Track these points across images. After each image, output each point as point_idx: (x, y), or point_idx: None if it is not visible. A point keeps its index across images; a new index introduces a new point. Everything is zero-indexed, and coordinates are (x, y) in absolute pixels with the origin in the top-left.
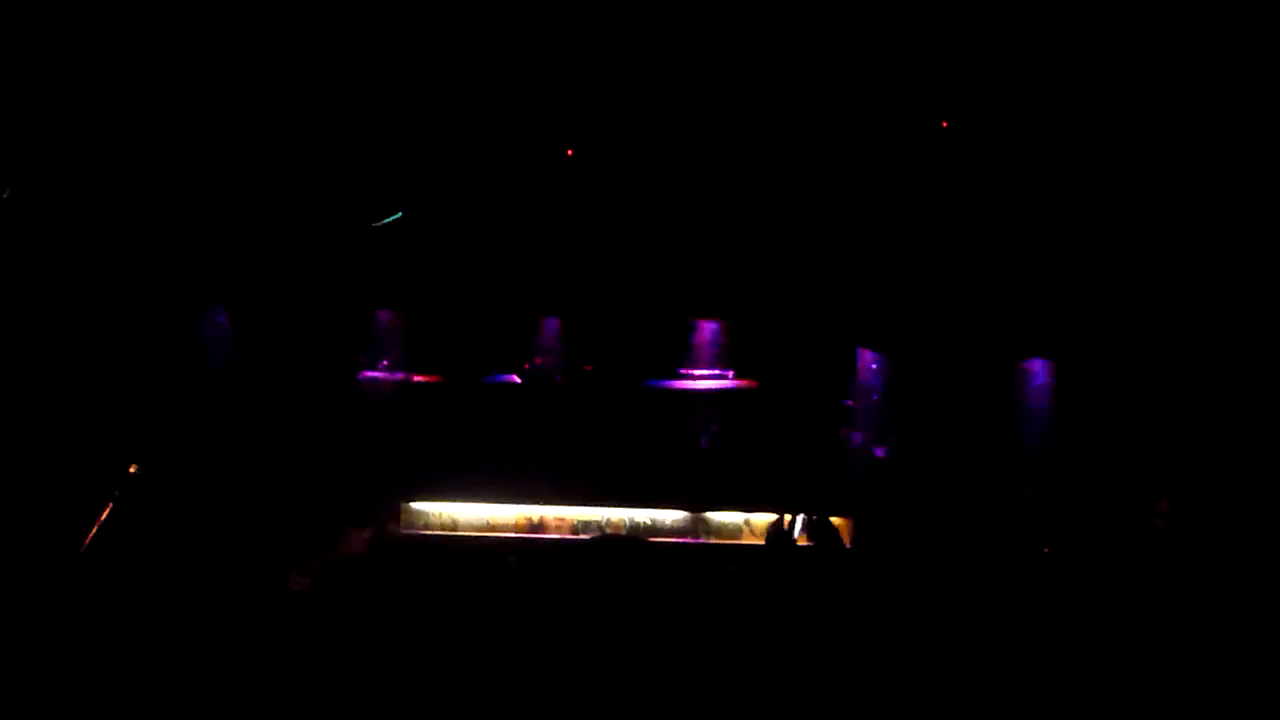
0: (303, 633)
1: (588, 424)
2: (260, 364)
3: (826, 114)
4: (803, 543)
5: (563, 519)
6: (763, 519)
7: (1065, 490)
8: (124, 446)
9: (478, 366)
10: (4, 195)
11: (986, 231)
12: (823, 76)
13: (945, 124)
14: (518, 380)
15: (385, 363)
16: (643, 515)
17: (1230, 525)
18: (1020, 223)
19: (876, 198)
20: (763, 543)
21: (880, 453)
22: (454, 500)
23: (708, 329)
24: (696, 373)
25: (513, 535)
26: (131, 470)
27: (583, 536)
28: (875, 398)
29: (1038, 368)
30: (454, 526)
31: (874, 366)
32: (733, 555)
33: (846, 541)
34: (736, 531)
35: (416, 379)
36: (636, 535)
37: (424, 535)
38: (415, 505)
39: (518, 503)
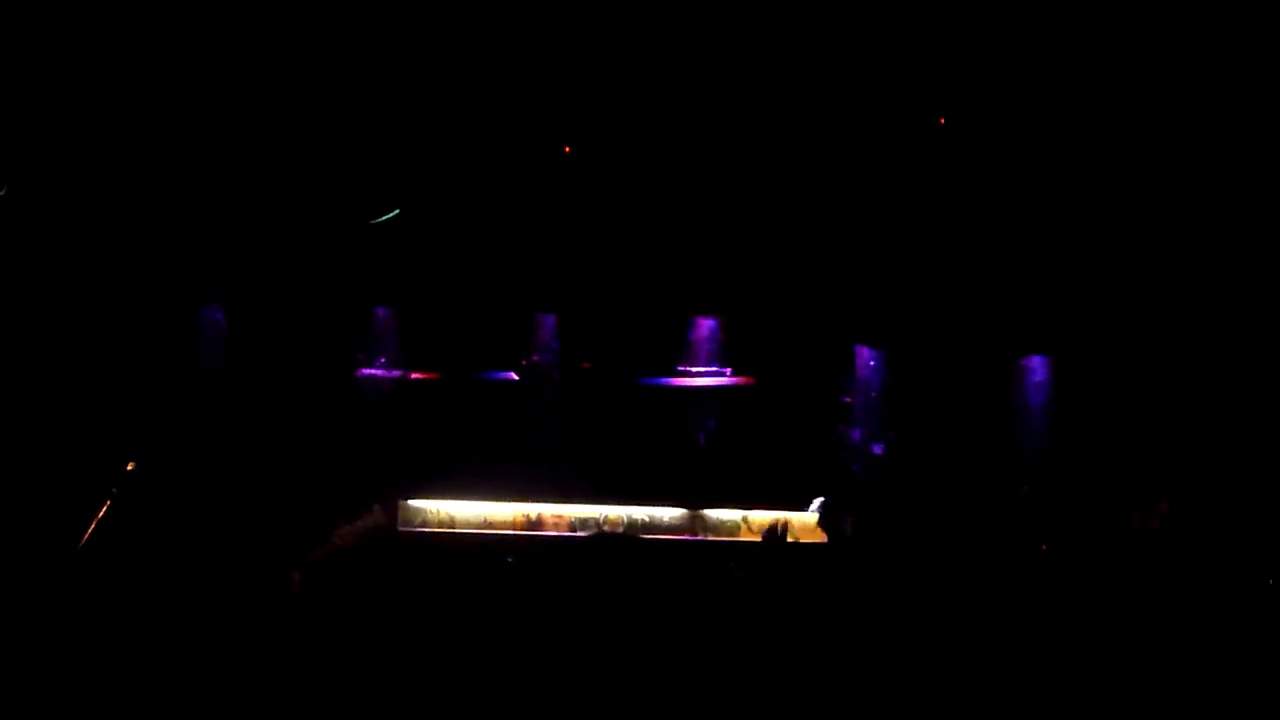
0: (300, 630)
1: (585, 421)
2: (257, 361)
3: (824, 110)
4: (816, 537)
5: (560, 516)
6: (760, 516)
7: (1063, 488)
8: (121, 444)
9: (475, 364)
10: (1, 193)
11: (985, 228)
12: (820, 73)
13: (942, 120)
14: (515, 377)
15: (383, 360)
16: (640, 512)
17: (1229, 524)
18: (1019, 219)
19: (874, 194)
20: (759, 539)
21: (878, 450)
22: (451, 498)
23: (705, 326)
24: (694, 370)
25: (510, 533)
26: (129, 468)
27: (580, 534)
28: (873, 395)
29: (1036, 365)
30: (452, 524)
31: (872, 363)
32: (730, 552)
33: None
34: (734, 529)
35: (414, 376)
36: (633, 533)
37: (421, 532)
38: (413, 503)
39: (515, 500)
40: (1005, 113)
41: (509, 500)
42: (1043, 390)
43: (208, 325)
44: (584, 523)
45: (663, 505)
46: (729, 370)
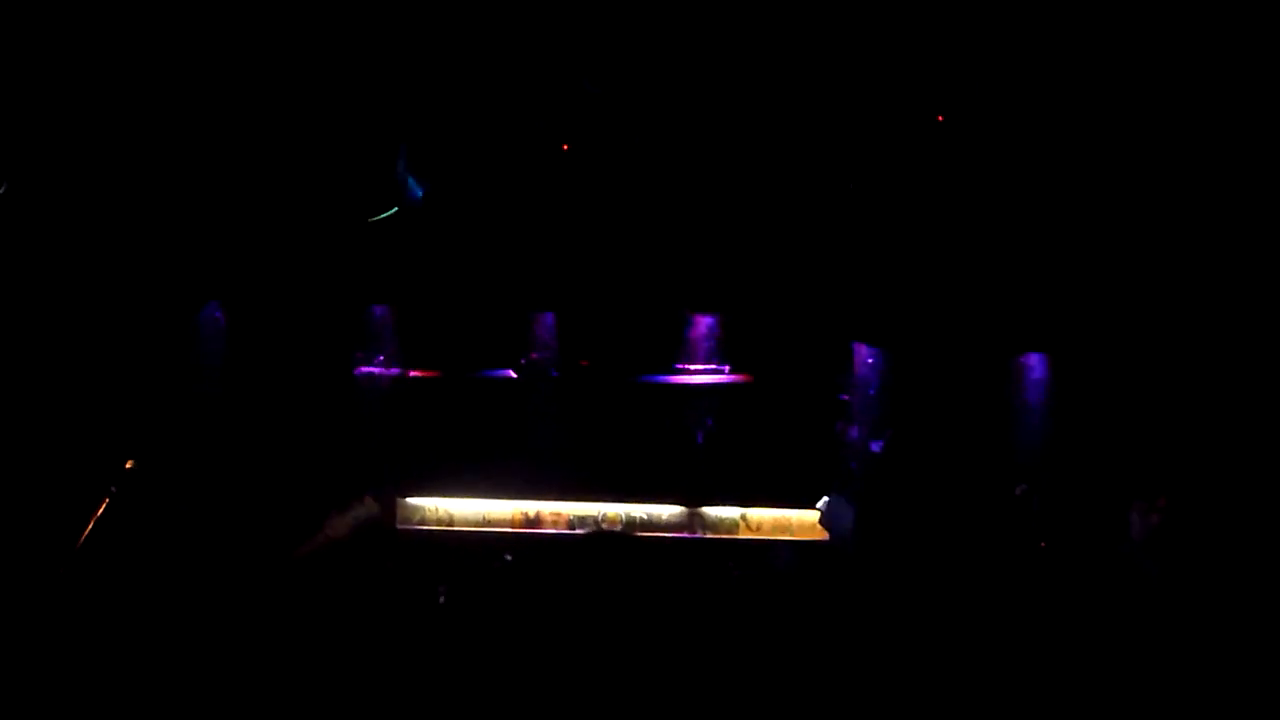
0: (298, 627)
1: (584, 419)
2: (256, 359)
3: (822, 107)
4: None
5: (559, 514)
6: (759, 514)
7: (1062, 486)
8: (120, 442)
9: (474, 361)
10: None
11: (984, 225)
12: (818, 70)
13: (941, 118)
14: (514, 375)
15: (381, 358)
16: (639, 510)
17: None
18: (1017, 217)
19: (872, 191)
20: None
21: (876, 447)
22: (450, 496)
23: (703, 323)
24: (692, 367)
25: (509, 530)
26: (128, 466)
27: (577, 532)
28: (871, 392)
29: (1035, 362)
30: (450, 522)
31: (870, 361)
32: (729, 550)
33: None
34: (733, 526)
35: (412, 374)
36: (631, 530)
37: (419, 530)
38: (411, 500)
39: (514, 498)
40: (1003, 110)
41: (508, 498)
42: (1041, 388)
43: (206, 323)
44: (582, 520)
45: (661, 502)
46: (727, 368)
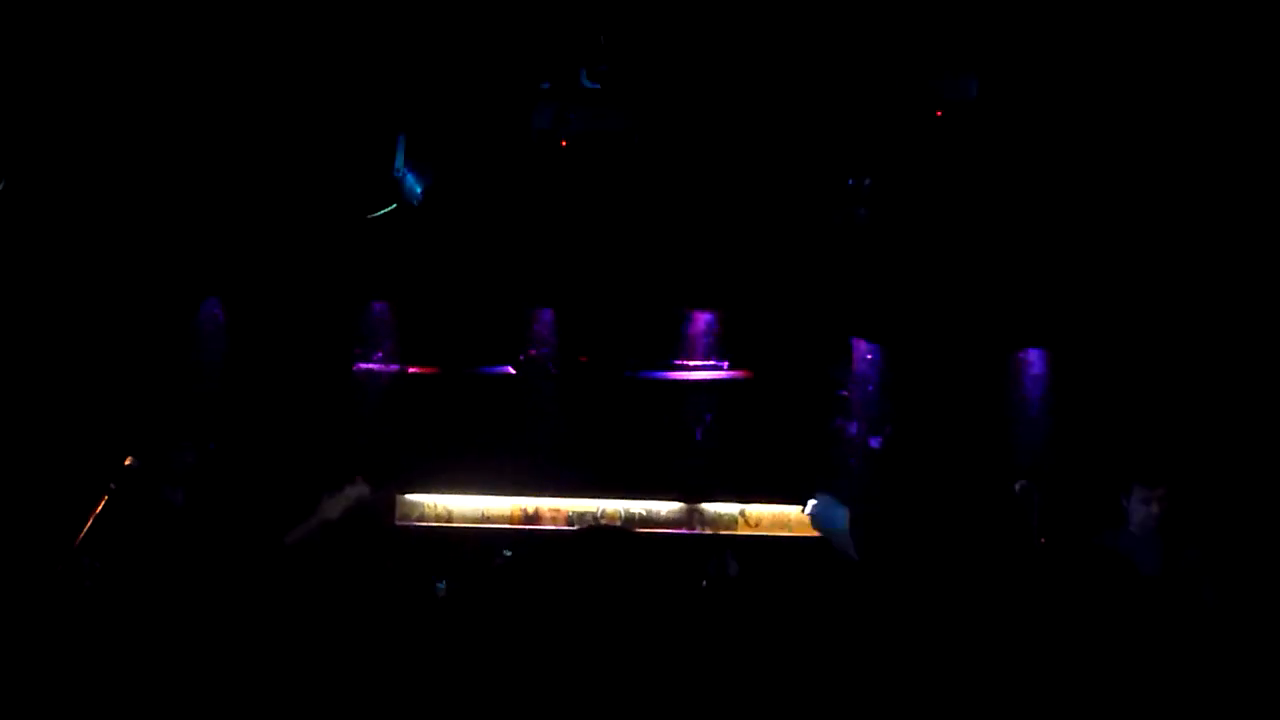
0: (297, 624)
1: (582, 415)
2: (255, 356)
3: (820, 103)
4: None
5: (558, 510)
6: (757, 509)
7: (1061, 481)
8: (119, 439)
9: (472, 358)
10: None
11: (982, 221)
12: (816, 66)
13: (940, 113)
14: (512, 371)
15: (380, 354)
16: (638, 506)
17: (1228, 517)
18: (1016, 212)
19: (871, 187)
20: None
21: (875, 443)
22: (449, 492)
23: (702, 320)
24: (691, 363)
25: (508, 526)
26: (127, 463)
27: (575, 527)
28: (870, 388)
29: (1034, 358)
30: (449, 518)
31: (869, 357)
32: (727, 546)
33: None
34: (732, 522)
35: (411, 370)
36: (629, 526)
37: (418, 526)
38: (410, 497)
39: (512, 494)
40: (1003, 106)
41: (506, 494)
42: (1040, 383)
43: (206, 319)
44: (581, 516)
45: (660, 499)
46: (726, 364)
